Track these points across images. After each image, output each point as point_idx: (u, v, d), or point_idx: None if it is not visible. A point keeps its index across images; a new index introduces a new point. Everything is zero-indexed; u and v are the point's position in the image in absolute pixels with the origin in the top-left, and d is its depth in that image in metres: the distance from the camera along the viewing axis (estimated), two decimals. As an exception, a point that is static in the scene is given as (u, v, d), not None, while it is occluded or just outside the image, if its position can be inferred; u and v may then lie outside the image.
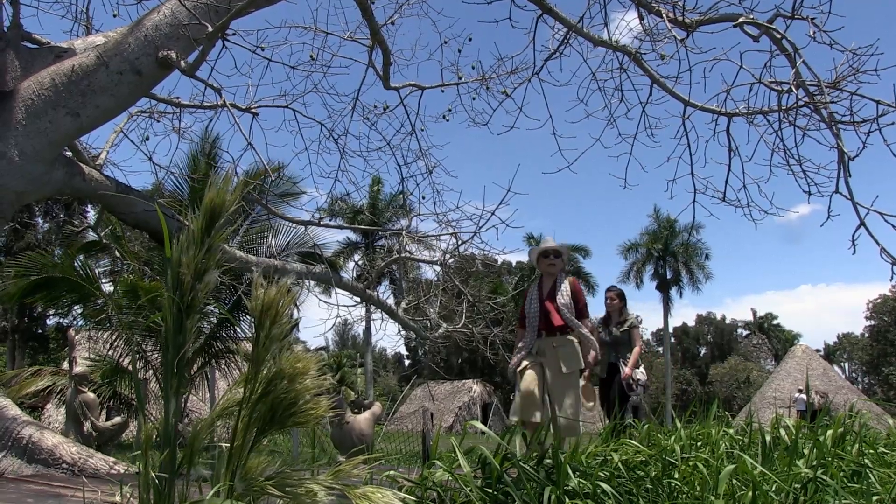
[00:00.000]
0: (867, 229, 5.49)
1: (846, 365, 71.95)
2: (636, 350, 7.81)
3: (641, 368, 7.86)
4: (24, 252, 13.67)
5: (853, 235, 5.49)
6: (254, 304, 2.20)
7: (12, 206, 5.34)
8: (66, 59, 5.46)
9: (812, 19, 5.56)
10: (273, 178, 6.38)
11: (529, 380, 5.93)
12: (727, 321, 74.26)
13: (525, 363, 6.08)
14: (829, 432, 4.13)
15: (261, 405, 2.16)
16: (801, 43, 5.78)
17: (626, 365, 7.68)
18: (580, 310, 6.16)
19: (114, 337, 12.55)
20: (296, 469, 2.26)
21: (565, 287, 6.21)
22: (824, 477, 3.16)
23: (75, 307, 12.25)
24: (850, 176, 5.60)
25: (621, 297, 8.23)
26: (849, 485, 3.29)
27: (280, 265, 7.53)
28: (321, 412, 2.23)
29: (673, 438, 3.95)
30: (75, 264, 10.98)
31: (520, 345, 6.28)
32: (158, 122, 8.45)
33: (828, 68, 5.80)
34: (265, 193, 8.38)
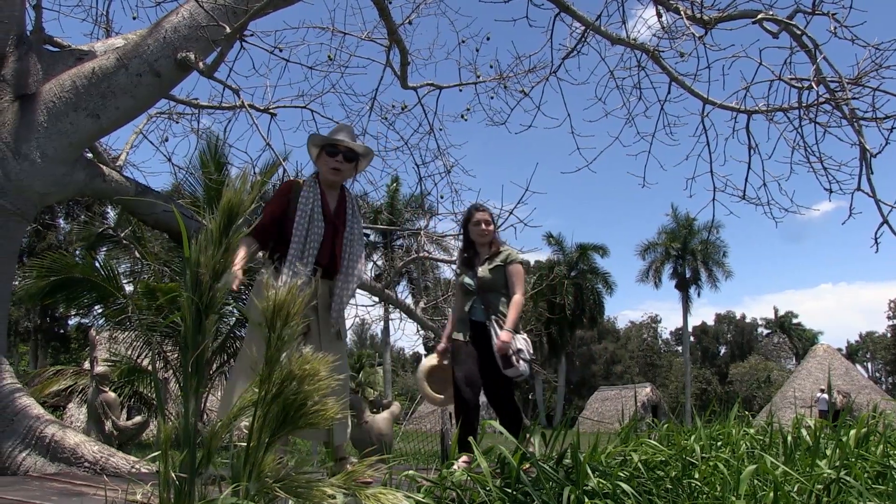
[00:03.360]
0: (890, 227, 5.44)
1: (869, 364, 71.06)
2: (517, 299, 4.67)
3: (524, 335, 4.75)
4: (46, 252, 13.84)
5: (876, 233, 5.44)
6: (265, 306, 2.20)
7: (35, 207, 5.41)
8: (86, 62, 5.51)
9: (833, 15, 5.50)
10: (285, 170, 6.39)
11: None
12: (747, 320, 73.60)
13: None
14: (853, 432, 4.08)
15: (274, 406, 2.17)
16: (821, 39, 5.74)
17: (500, 326, 4.62)
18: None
19: (133, 336, 12.66)
20: (311, 471, 2.26)
21: (356, 206, 4.26)
22: (848, 478, 3.12)
23: (96, 307, 12.39)
24: (872, 173, 5.55)
25: (494, 221, 5.07)
26: (873, 486, 3.25)
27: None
28: (331, 414, 2.23)
29: (693, 438, 3.92)
30: (95, 264, 11.10)
31: (286, 273, 3.83)
32: (177, 123, 8.54)
33: (849, 64, 5.77)
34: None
